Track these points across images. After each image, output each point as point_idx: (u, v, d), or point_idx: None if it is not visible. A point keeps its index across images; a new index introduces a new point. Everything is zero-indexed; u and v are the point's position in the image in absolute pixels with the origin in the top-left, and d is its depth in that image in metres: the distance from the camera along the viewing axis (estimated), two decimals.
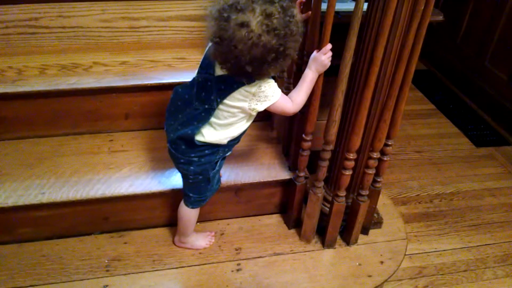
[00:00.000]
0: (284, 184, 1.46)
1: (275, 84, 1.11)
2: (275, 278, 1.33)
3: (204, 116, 1.12)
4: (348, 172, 1.28)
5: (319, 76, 1.15)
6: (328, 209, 1.40)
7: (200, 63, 1.14)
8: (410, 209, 1.88)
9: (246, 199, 1.48)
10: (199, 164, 1.19)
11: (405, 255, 1.46)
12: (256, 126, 1.57)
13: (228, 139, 1.18)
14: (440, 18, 1.37)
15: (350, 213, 1.40)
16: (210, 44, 1.07)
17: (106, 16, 1.60)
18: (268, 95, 1.09)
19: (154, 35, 1.68)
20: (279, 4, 0.94)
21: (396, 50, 1.11)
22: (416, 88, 2.79)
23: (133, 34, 1.66)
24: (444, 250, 1.71)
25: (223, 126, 1.15)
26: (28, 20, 1.55)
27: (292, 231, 1.48)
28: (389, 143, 1.29)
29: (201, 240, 1.40)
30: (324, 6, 1.07)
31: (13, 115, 1.45)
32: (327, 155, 1.28)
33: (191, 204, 1.29)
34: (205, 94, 1.11)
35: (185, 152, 1.17)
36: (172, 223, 1.43)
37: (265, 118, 1.59)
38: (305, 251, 1.42)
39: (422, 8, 1.03)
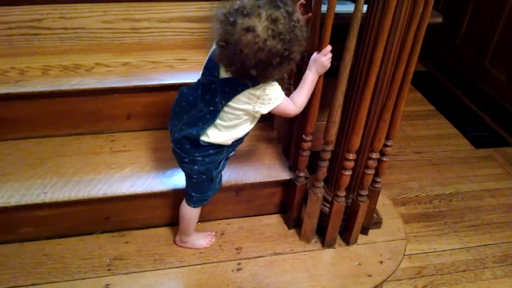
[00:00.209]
0: (284, 184, 1.46)
1: (279, 87, 1.12)
2: (275, 278, 1.34)
3: (209, 118, 1.13)
4: (348, 172, 1.29)
5: (320, 77, 1.16)
6: (328, 209, 1.41)
7: (204, 65, 1.15)
8: (410, 210, 1.89)
9: (247, 199, 1.49)
10: (203, 164, 1.20)
11: (404, 255, 1.47)
12: (256, 126, 1.55)
13: (233, 140, 1.20)
14: (439, 20, 1.38)
15: (350, 213, 1.41)
16: (214, 46, 1.09)
17: (107, 17, 1.61)
18: (272, 98, 1.10)
19: (156, 36, 1.69)
20: (285, 9, 0.96)
21: (396, 51, 1.12)
22: (416, 89, 2.80)
23: (135, 35, 1.67)
24: (443, 251, 1.72)
25: (228, 128, 1.16)
26: (31, 22, 1.56)
27: (292, 231, 1.49)
28: (389, 144, 1.29)
29: (202, 240, 1.41)
30: (324, 8, 1.08)
31: (16, 115, 1.46)
32: (327, 155, 1.29)
33: (193, 203, 1.30)
34: (210, 96, 1.12)
35: (190, 152, 1.18)
36: (173, 222, 1.44)
37: (265, 119, 1.60)
38: (305, 251, 1.43)
39: (421, 10, 1.04)
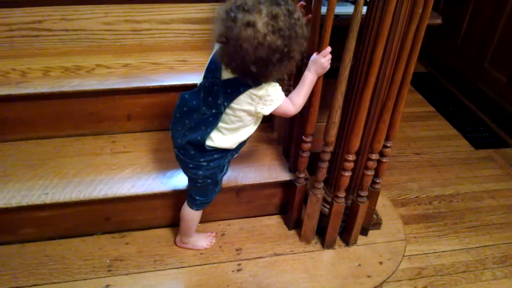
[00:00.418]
0: (284, 185, 1.47)
1: (280, 87, 1.12)
2: (276, 278, 1.34)
3: (211, 121, 1.14)
4: (348, 173, 1.29)
5: (319, 78, 1.17)
6: (327, 210, 1.41)
7: (206, 67, 1.15)
8: (410, 211, 1.89)
9: (247, 200, 1.49)
10: (208, 168, 1.20)
11: (404, 256, 1.47)
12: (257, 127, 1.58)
13: (237, 144, 1.20)
14: (439, 21, 1.38)
15: (350, 214, 1.41)
16: (216, 48, 1.10)
17: (109, 19, 1.62)
18: (273, 98, 1.11)
19: (156, 38, 1.69)
20: (285, 7, 0.96)
21: (395, 52, 1.13)
22: (415, 91, 2.80)
23: (136, 37, 1.67)
24: (443, 251, 1.72)
25: (231, 131, 1.16)
26: (32, 23, 1.57)
27: (292, 231, 1.50)
28: (388, 145, 1.30)
29: (202, 241, 1.42)
30: (324, 9, 1.09)
31: (17, 116, 1.47)
32: (327, 156, 1.29)
33: (195, 206, 1.30)
34: (212, 99, 1.12)
35: (194, 157, 1.18)
36: (174, 223, 1.45)
37: (266, 120, 1.60)
38: (305, 252, 1.44)
39: (420, 11, 1.04)
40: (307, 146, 1.31)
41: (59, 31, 1.61)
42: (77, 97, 1.47)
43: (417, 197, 1.97)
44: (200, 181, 1.23)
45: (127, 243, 1.41)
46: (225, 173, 1.30)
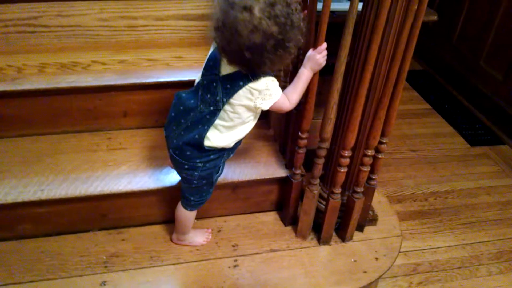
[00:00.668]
0: (280, 181, 1.47)
1: (277, 82, 1.13)
2: (272, 274, 1.35)
3: (209, 119, 1.13)
4: (344, 170, 1.30)
5: (315, 74, 1.17)
6: (323, 206, 1.41)
7: (204, 65, 1.15)
8: (406, 207, 1.91)
9: (244, 196, 1.49)
10: (203, 170, 1.20)
11: (399, 252, 1.48)
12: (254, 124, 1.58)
13: (234, 142, 1.20)
14: (434, 18, 1.39)
15: (346, 210, 1.42)
16: (213, 46, 1.10)
17: (104, 15, 1.61)
18: (272, 93, 1.11)
19: (152, 34, 1.69)
20: None
21: (391, 49, 1.13)
22: (412, 88, 2.81)
23: (132, 33, 1.67)
24: (438, 248, 1.73)
25: (228, 128, 1.16)
26: (28, 19, 1.56)
27: (289, 228, 1.50)
28: (384, 141, 1.30)
29: (198, 237, 1.42)
30: (319, 6, 1.09)
31: (13, 113, 1.46)
32: (323, 152, 1.30)
33: (190, 207, 1.30)
34: (211, 96, 1.12)
35: (190, 158, 1.18)
36: (170, 220, 1.45)
37: (262, 117, 1.60)
38: (301, 248, 1.44)
39: (416, 7, 1.05)
40: (303, 142, 1.31)
41: (55, 27, 1.60)
42: (73, 94, 1.47)
43: (413, 193, 1.98)
44: (195, 182, 1.23)
45: (123, 240, 1.41)
46: (220, 174, 1.30)
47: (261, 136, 1.59)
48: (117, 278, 1.30)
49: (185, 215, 1.32)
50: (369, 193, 1.42)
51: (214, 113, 1.13)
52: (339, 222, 1.46)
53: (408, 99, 2.69)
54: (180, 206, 1.32)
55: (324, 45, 1.12)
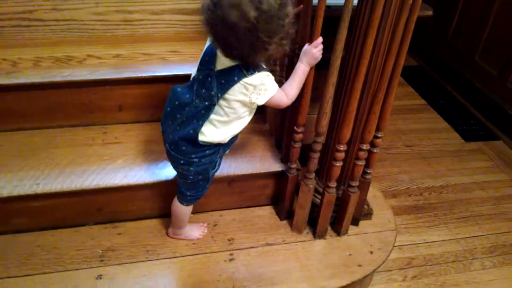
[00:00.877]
0: (276, 175, 1.48)
1: (273, 77, 1.13)
2: (268, 268, 1.35)
3: (204, 114, 1.13)
4: (339, 164, 1.30)
5: (311, 69, 1.17)
6: (319, 200, 1.42)
7: (199, 60, 1.15)
8: (401, 202, 1.92)
9: (239, 190, 1.50)
10: (199, 165, 1.20)
11: (394, 245, 1.49)
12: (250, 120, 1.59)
13: (230, 137, 1.20)
14: (430, 13, 1.39)
15: (341, 204, 1.42)
16: (209, 41, 1.10)
17: (100, 9, 1.61)
18: (267, 88, 1.11)
19: (148, 29, 1.69)
20: None
21: (386, 43, 1.14)
22: (407, 84, 2.82)
23: (127, 27, 1.66)
24: (433, 242, 1.74)
25: (224, 123, 1.16)
26: (22, 13, 1.55)
27: (284, 222, 1.51)
28: (379, 135, 1.31)
29: (194, 231, 1.42)
30: (315, 0, 1.09)
31: (7, 107, 1.46)
32: (318, 146, 1.30)
33: (186, 202, 1.30)
34: (206, 91, 1.12)
35: (186, 153, 1.18)
36: (166, 214, 1.45)
37: (258, 111, 1.60)
38: (296, 242, 1.45)
39: (411, 2, 1.05)
40: (298, 136, 1.32)
41: (50, 21, 1.59)
42: (69, 88, 1.46)
43: (407, 188, 1.99)
44: (191, 177, 1.23)
45: (119, 234, 1.41)
46: (217, 170, 1.30)
47: (257, 131, 1.59)
48: (113, 271, 1.30)
49: (181, 210, 1.32)
50: (364, 187, 1.43)
51: (209, 108, 1.13)
52: (334, 216, 1.46)
53: (403, 94, 2.70)
54: (176, 201, 1.32)
55: (320, 39, 1.12)
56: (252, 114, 1.21)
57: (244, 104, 1.13)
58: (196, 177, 1.23)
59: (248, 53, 1.03)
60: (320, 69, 1.19)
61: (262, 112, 1.64)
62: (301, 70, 1.16)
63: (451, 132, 2.41)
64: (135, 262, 1.33)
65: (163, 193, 1.42)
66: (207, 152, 1.19)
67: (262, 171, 1.45)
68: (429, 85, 2.86)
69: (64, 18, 1.60)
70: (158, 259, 1.35)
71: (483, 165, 2.19)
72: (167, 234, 1.42)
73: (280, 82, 1.35)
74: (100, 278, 1.28)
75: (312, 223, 1.47)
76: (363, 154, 1.31)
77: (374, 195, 1.66)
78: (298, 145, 1.34)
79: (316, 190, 1.44)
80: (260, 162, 1.47)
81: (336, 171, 1.32)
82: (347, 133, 1.24)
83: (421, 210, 1.89)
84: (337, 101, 1.27)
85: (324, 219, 1.42)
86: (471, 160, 2.22)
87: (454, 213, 1.89)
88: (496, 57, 2.47)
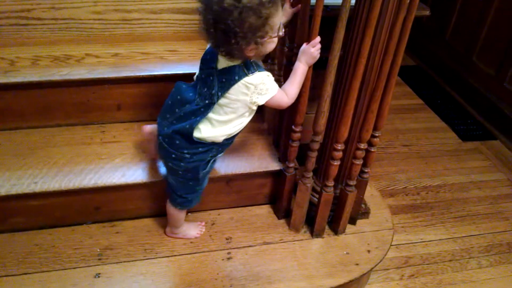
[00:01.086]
0: (274, 174, 1.48)
1: (273, 78, 1.14)
2: (265, 266, 1.36)
3: (203, 111, 1.14)
4: (336, 163, 1.31)
5: (309, 68, 1.17)
6: (316, 199, 1.43)
7: (201, 59, 1.16)
8: (398, 201, 1.92)
9: (237, 189, 1.50)
10: (190, 161, 1.20)
11: (391, 244, 1.49)
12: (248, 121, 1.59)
13: (224, 137, 1.20)
14: (427, 13, 1.40)
15: (338, 203, 1.43)
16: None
17: (98, 8, 1.61)
18: (268, 87, 1.12)
19: (146, 28, 1.69)
20: None
21: (383, 43, 1.14)
22: (404, 83, 2.83)
23: (125, 26, 1.67)
24: (430, 241, 1.75)
25: (222, 123, 1.16)
26: (20, 12, 1.55)
27: (282, 221, 1.51)
28: (376, 135, 1.32)
29: (192, 230, 1.42)
30: (313, 0, 1.10)
31: (6, 105, 1.46)
32: (316, 146, 1.30)
33: (178, 205, 1.31)
34: (207, 90, 1.13)
35: (179, 147, 1.18)
36: (164, 213, 1.44)
37: (256, 111, 1.61)
38: (294, 240, 1.45)
39: (408, 1, 1.05)
40: (296, 135, 1.32)
41: (48, 20, 1.59)
42: (67, 86, 1.46)
43: (405, 187, 2.00)
44: (180, 173, 1.23)
45: (117, 232, 1.41)
46: (208, 171, 1.29)
47: (255, 130, 1.59)
48: (111, 270, 1.30)
49: (174, 211, 1.33)
50: (361, 186, 1.43)
51: (208, 106, 1.14)
52: (332, 215, 1.47)
53: (401, 94, 2.70)
54: (168, 203, 1.33)
55: (318, 38, 1.13)
56: (251, 116, 1.22)
57: (245, 104, 1.14)
58: (185, 174, 1.23)
59: (222, 40, 1.02)
60: (318, 68, 1.19)
61: (260, 112, 1.64)
62: (300, 70, 1.16)
63: (448, 132, 2.42)
64: (133, 261, 1.33)
65: (161, 192, 1.42)
66: (200, 149, 1.19)
67: (260, 170, 1.45)
68: (426, 84, 2.87)
69: (62, 17, 1.60)
70: (156, 258, 1.35)
71: (480, 165, 2.20)
72: (165, 233, 1.42)
73: (278, 81, 1.36)
74: (98, 277, 1.28)
75: (310, 222, 1.47)
76: (360, 153, 1.32)
77: (371, 194, 1.66)
78: (296, 144, 1.34)
79: (313, 189, 1.44)
80: (258, 161, 1.47)
81: (334, 170, 1.32)
82: (344, 132, 1.25)
83: (418, 209, 1.89)
84: (335, 100, 1.28)
85: (321, 218, 1.43)
86: (468, 159, 2.22)
87: (451, 212, 1.90)
88: (494, 57, 2.48)
